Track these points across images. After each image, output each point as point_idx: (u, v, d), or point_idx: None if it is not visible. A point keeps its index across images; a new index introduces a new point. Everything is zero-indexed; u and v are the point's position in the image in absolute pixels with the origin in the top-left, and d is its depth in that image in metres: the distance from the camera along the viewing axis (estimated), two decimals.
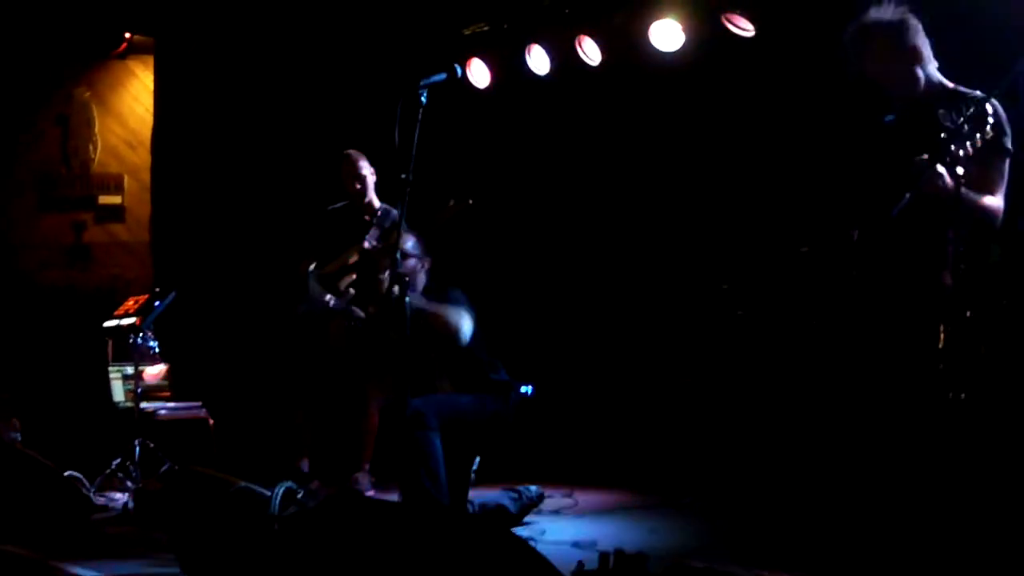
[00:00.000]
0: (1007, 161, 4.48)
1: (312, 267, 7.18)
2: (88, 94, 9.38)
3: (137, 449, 6.92)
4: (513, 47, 8.12)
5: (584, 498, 6.65)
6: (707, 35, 7.20)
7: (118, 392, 7.41)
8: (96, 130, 9.33)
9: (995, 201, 4.45)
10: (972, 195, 4.29)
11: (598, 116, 8.31)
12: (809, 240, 4.86)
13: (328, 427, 7.09)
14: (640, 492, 6.88)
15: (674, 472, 6.96)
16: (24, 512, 5.71)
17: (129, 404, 7.33)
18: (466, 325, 5.77)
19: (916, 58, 4.56)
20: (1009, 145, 4.46)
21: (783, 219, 7.00)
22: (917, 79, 4.56)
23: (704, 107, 7.60)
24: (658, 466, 7.17)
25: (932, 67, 4.60)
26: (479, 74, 8.31)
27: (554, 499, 6.57)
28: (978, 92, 4.44)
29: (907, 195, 4.28)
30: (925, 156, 4.20)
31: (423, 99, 5.10)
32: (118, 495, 6.84)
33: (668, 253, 7.90)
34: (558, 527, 5.85)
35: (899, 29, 4.54)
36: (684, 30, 7.24)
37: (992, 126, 4.08)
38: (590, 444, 7.88)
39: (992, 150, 4.29)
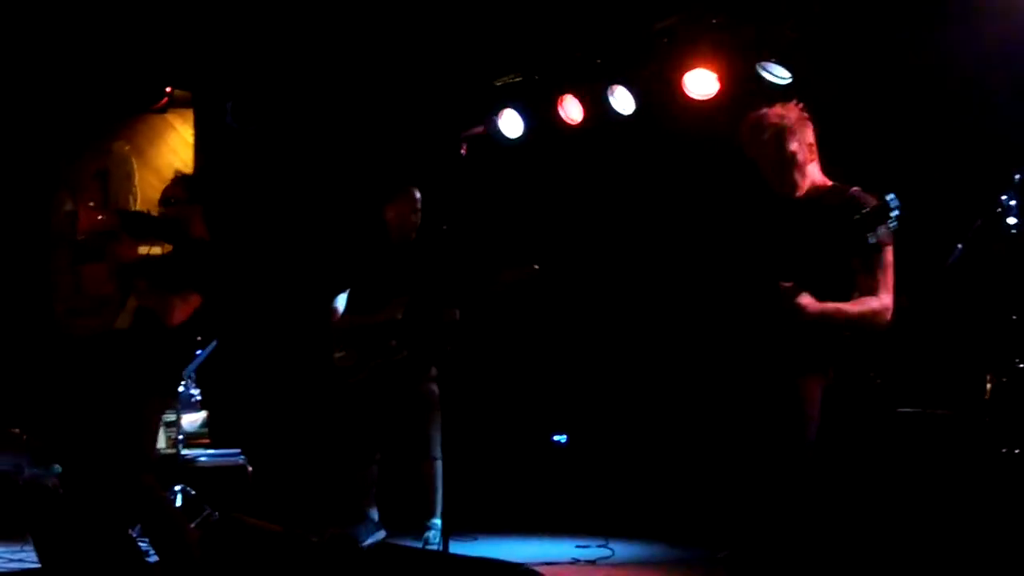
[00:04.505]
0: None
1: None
2: (128, 148, 9.45)
3: (178, 495, 7.02)
4: (545, 97, 8.15)
5: (620, 549, 6.64)
6: (742, 83, 7.16)
7: (159, 439, 7.46)
8: (136, 183, 9.41)
9: (874, 303, 4.22)
10: (845, 308, 4.15)
11: (632, 165, 8.33)
12: None
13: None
14: (676, 544, 6.85)
15: (711, 525, 6.92)
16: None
17: (170, 451, 7.42)
18: None
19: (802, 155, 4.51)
20: (883, 239, 4.11)
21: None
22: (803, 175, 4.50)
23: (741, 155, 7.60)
24: (695, 518, 7.13)
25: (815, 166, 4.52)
26: (511, 124, 8.28)
27: (590, 549, 6.57)
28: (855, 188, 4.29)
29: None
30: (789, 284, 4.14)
31: (463, 151, 5.15)
32: None
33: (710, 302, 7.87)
34: None
35: (792, 126, 4.51)
36: (719, 79, 7.22)
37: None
38: (627, 494, 7.84)
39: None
